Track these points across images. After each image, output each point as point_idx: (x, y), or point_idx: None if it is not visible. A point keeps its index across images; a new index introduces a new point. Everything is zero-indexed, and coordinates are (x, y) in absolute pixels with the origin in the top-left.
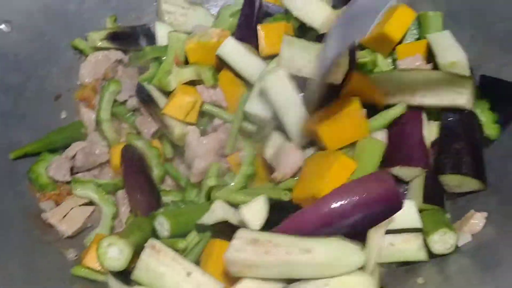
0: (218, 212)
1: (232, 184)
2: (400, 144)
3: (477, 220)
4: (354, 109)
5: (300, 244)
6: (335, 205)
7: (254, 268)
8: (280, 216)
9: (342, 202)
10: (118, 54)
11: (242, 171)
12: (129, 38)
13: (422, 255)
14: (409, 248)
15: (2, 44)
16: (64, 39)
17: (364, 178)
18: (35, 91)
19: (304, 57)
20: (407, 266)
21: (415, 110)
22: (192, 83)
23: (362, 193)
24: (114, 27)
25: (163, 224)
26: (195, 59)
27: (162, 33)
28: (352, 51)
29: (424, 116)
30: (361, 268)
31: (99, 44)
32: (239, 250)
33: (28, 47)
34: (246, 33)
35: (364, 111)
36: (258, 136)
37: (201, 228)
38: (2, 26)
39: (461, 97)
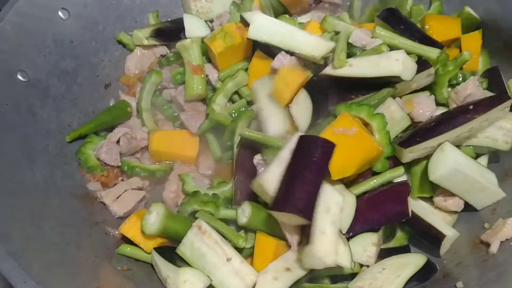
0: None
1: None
2: None
3: (509, 227)
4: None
5: None
6: None
7: None
8: None
9: None
10: (163, 49)
11: None
12: (172, 33)
13: None
14: None
15: (59, 30)
16: (116, 31)
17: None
18: (87, 77)
19: None
20: (444, 272)
21: None
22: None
23: None
24: (157, 23)
25: (245, 211)
26: (227, 63)
27: (189, 26)
28: None
29: None
30: None
31: (145, 42)
32: None
33: (82, 35)
34: None
35: None
36: None
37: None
38: (60, 13)
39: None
